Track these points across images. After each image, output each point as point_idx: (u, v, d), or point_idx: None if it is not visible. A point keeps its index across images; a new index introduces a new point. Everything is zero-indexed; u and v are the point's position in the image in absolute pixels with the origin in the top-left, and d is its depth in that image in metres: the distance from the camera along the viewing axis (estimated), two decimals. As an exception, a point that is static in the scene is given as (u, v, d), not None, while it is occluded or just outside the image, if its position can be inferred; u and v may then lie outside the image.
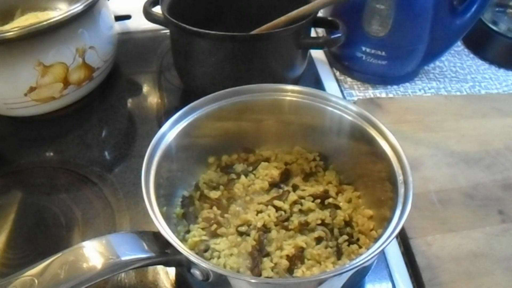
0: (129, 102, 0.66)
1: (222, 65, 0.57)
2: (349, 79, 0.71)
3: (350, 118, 0.45)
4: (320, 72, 0.71)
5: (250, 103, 0.47)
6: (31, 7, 0.63)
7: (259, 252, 0.41)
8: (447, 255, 0.46)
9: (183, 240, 0.42)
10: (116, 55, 0.66)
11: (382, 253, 0.45)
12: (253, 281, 0.36)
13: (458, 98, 0.67)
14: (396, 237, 0.42)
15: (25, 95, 0.55)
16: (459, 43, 0.79)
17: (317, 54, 0.74)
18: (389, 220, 0.36)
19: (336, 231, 0.43)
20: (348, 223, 0.44)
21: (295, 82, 0.62)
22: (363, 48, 0.66)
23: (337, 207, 0.45)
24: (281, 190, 0.47)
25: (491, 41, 0.75)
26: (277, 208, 0.45)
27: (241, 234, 0.43)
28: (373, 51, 0.65)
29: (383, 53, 0.65)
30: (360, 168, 0.46)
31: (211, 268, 0.33)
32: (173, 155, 0.43)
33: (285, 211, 0.44)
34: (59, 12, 0.57)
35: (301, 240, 0.42)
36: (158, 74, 0.70)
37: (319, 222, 0.44)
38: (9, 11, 0.62)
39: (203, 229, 0.43)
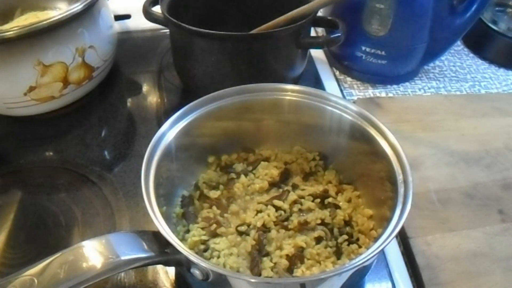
0: (129, 101, 0.66)
1: (222, 65, 0.57)
2: (349, 79, 0.71)
3: (350, 117, 0.45)
4: (320, 72, 0.70)
5: (250, 103, 0.47)
6: (30, 6, 0.63)
7: (259, 251, 0.41)
8: (447, 255, 0.46)
9: (183, 239, 0.42)
10: (115, 55, 0.66)
11: (382, 252, 0.45)
12: (252, 280, 0.36)
13: (458, 97, 0.67)
14: (396, 236, 0.42)
15: (25, 94, 0.55)
16: (459, 42, 0.79)
17: (317, 54, 0.74)
18: (389, 220, 0.36)
19: (336, 230, 0.43)
20: (348, 222, 0.44)
21: (295, 81, 0.62)
22: (363, 48, 0.66)
23: (337, 206, 0.45)
24: (280, 190, 0.47)
25: (491, 41, 0.75)
26: (277, 208, 0.45)
27: (240, 233, 0.43)
28: (373, 51, 0.65)
29: (383, 53, 0.65)
30: (360, 168, 0.46)
31: (211, 268, 0.33)
32: (173, 155, 0.43)
33: (284, 211, 0.44)
34: (59, 11, 0.57)
35: (300, 239, 0.42)
36: (158, 73, 0.70)
37: (319, 221, 0.43)
38: (9, 10, 0.62)
39: (202, 228, 0.43)
